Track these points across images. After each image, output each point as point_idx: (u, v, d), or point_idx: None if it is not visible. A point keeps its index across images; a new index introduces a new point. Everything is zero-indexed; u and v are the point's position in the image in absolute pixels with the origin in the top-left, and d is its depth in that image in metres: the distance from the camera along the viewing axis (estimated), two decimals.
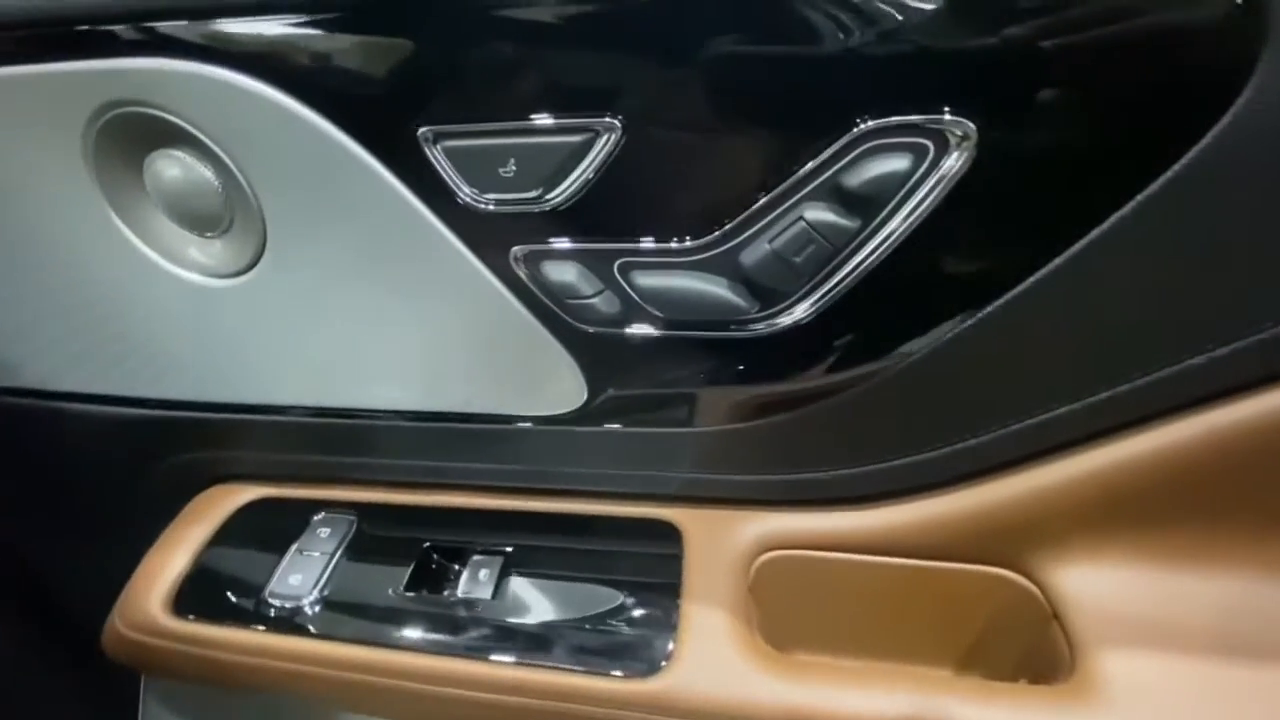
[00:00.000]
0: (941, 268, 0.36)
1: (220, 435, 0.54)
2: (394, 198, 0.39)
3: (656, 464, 0.48)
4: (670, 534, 0.49)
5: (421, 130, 0.37)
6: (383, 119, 0.37)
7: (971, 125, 0.32)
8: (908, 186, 0.34)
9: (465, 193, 0.38)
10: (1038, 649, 0.45)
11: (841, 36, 0.31)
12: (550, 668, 0.43)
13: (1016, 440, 0.41)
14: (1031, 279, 0.35)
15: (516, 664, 0.44)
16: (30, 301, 0.48)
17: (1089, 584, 0.43)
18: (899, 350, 0.39)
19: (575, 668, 0.43)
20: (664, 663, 0.43)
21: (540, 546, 0.50)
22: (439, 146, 0.37)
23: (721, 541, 0.48)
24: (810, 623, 0.51)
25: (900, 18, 0.31)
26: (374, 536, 0.52)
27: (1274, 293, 0.33)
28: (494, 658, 0.44)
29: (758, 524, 0.48)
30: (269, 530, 0.54)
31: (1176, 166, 0.31)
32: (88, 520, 0.61)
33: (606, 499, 0.50)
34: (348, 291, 0.44)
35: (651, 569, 0.48)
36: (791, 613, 0.50)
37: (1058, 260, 0.34)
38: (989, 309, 0.36)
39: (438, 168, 0.37)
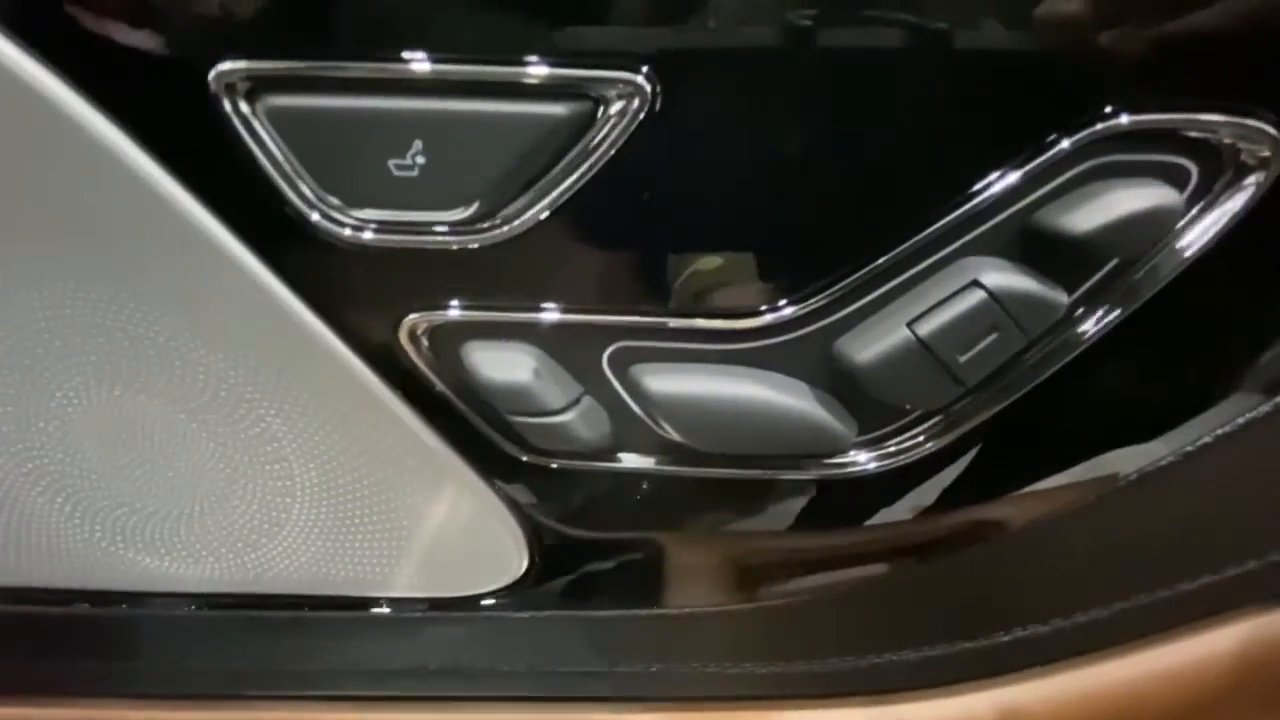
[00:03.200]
0: (1158, 376, 0.22)
1: None
2: (158, 207, 0.19)
3: (629, 655, 0.32)
4: None
5: (220, 70, 0.17)
6: (135, 45, 0.18)
7: (1273, 131, 0.18)
8: (1146, 236, 0.19)
9: (313, 204, 0.19)
10: None
11: None
12: None
13: (1152, 612, 0.29)
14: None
15: None
16: None
17: None
18: (1046, 494, 0.25)
19: None
20: None
21: None
22: (260, 106, 0.18)
23: None
24: None
25: None
26: None
27: None
28: None
29: None
30: None
31: None
32: None
33: (546, 706, 0.33)
34: (62, 382, 0.23)
35: None
36: None
37: None
38: (1207, 439, 0.23)
39: (254, 150, 0.18)
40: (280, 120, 0.18)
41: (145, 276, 0.21)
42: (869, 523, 0.27)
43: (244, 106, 0.18)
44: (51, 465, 0.25)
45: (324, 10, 0.17)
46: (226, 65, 0.17)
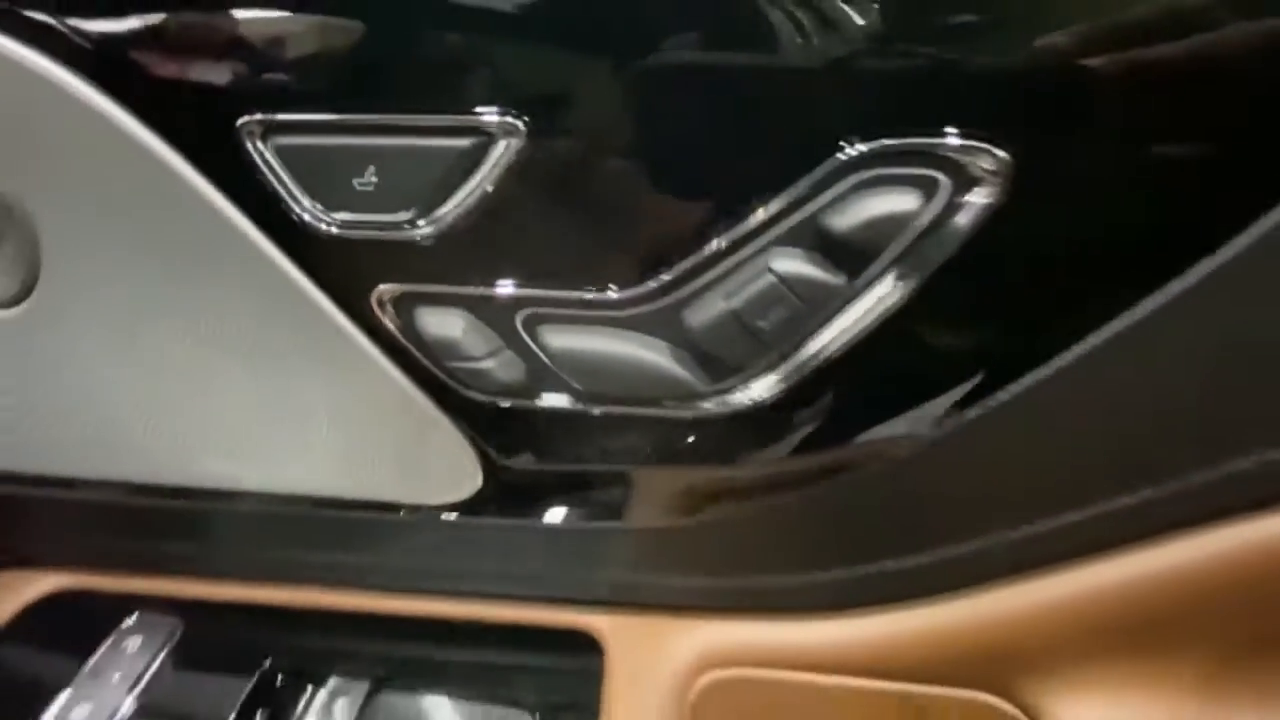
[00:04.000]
0: (946, 341, 0.28)
1: (9, 509, 0.42)
2: (208, 213, 0.28)
3: (573, 562, 0.39)
4: (589, 646, 0.40)
5: (244, 120, 0.26)
6: (191, 103, 0.26)
7: (1004, 155, 0.23)
8: (911, 233, 0.25)
9: (306, 210, 0.27)
10: None
11: (829, 29, 0.23)
12: None
13: (1010, 550, 0.34)
14: (1059, 363, 0.27)
15: None
16: None
17: (1088, 715, 0.37)
18: (881, 440, 0.31)
19: None
20: None
21: (420, 659, 0.41)
22: (269, 144, 0.26)
23: (654, 657, 0.39)
24: None
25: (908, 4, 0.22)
26: (202, 647, 0.42)
27: None
28: None
29: (699, 635, 0.40)
30: (66, 635, 0.42)
31: (1259, 230, 0.23)
32: None
33: (509, 602, 0.40)
34: (155, 335, 0.33)
35: (563, 689, 0.41)
36: None
37: (1092, 342, 0.26)
38: (1000, 397, 0.28)
39: (266, 174, 0.27)
40: (282, 153, 0.26)
41: (202, 261, 0.30)
42: (746, 457, 0.33)
43: (259, 144, 0.26)
44: (139, 389, 0.35)
45: (306, 82, 0.26)
46: (246, 117, 0.26)
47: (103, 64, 0.26)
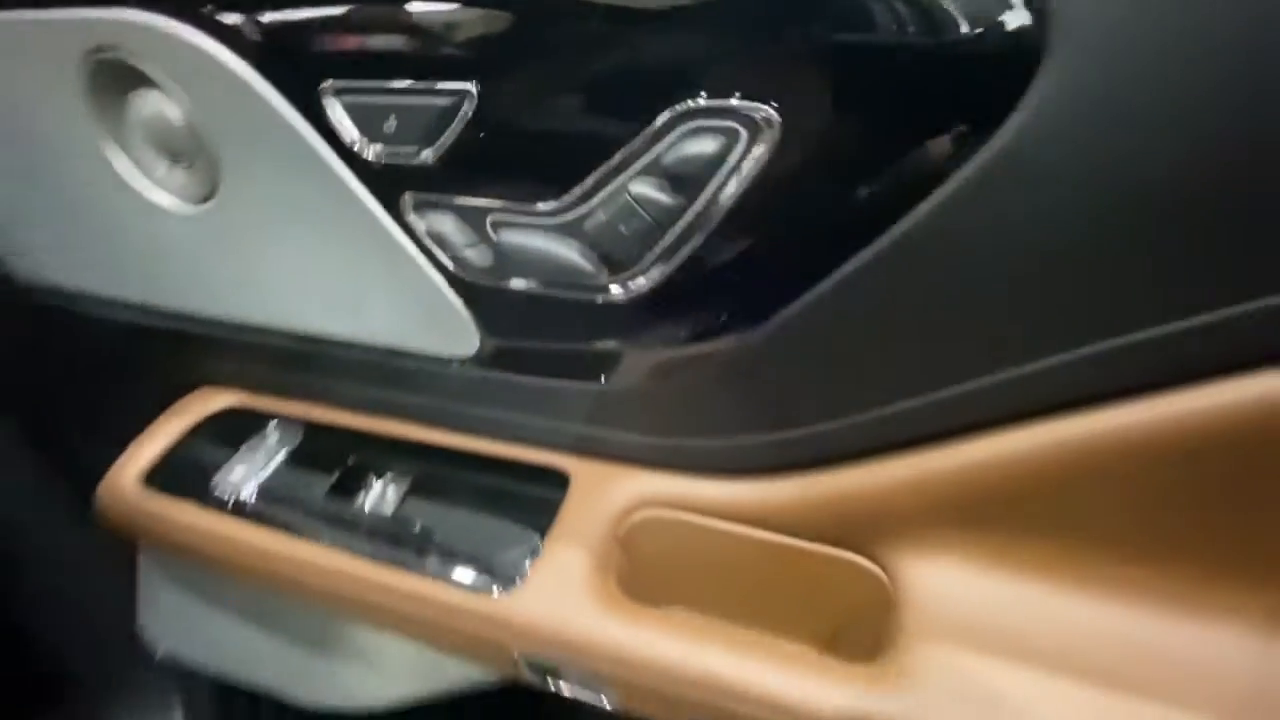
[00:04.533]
0: (768, 249, 0.38)
1: (206, 344, 0.62)
2: (305, 144, 0.44)
3: (553, 413, 0.52)
4: (559, 480, 0.53)
5: (324, 85, 0.41)
6: (296, 73, 0.42)
7: (774, 114, 0.33)
8: (724, 169, 0.35)
9: (358, 143, 0.42)
10: (883, 637, 0.46)
11: (661, 16, 0.34)
12: (417, 575, 0.49)
13: (874, 427, 0.42)
14: (841, 273, 0.36)
15: (389, 568, 0.49)
16: (43, 211, 0.57)
17: (931, 579, 0.44)
18: (742, 328, 0.41)
19: (437, 578, 0.48)
20: (512, 589, 0.47)
21: (442, 476, 0.56)
22: (339, 100, 0.42)
23: (603, 493, 0.51)
24: (674, 583, 0.53)
25: (714, 4, 0.33)
26: (312, 448, 0.60)
27: (1109, 302, 0.33)
28: (374, 561, 0.50)
29: (638, 482, 0.51)
30: (234, 431, 0.63)
31: (976, 159, 0.31)
32: (111, 412, 0.71)
33: (513, 442, 0.54)
34: (285, 228, 0.50)
35: (534, 509, 0.52)
36: (657, 570, 0.52)
37: (866, 255, 0.35)
38: (813, 293, 0.37)
39: (336, 120, 0.42)
40: (345, 106, 0.42)
41: (306, 175, 0.46)
42: (649, 336, 0.44)
43: (332, 100, 0.42)
44: (276, 262, 0.52)
45: (357, 61, 0.41)
46: (326, 82, 0.42)
47: (254, 47, 0.43)
